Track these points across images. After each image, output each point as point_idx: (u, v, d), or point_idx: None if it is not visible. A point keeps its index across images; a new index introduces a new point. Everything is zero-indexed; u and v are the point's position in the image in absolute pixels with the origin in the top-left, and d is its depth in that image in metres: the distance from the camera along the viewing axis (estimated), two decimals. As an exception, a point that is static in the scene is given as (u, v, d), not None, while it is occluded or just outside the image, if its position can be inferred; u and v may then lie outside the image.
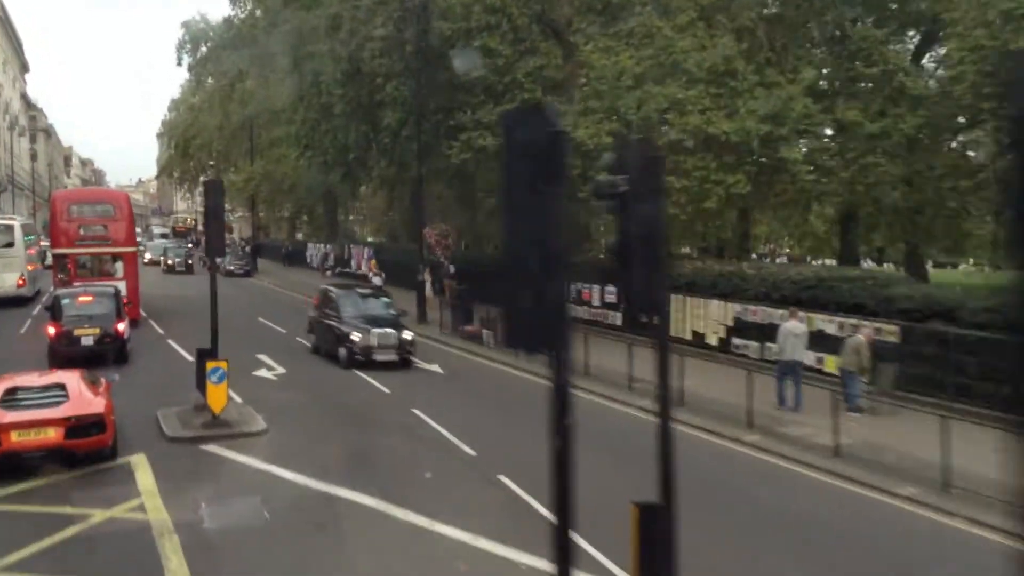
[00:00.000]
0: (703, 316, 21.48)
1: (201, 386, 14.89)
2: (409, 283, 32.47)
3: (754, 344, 19.88)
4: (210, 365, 13.91)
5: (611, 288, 25.20)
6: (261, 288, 43.42)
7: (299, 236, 72.62)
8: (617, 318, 24.92)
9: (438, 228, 29.45)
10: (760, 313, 19.80)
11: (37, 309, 29.39)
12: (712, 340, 21.23)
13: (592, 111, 23.63)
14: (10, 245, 32.02)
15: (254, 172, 56.04)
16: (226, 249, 62.80)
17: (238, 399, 15.80)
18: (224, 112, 62.85)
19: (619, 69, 23.48)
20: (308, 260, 56.91)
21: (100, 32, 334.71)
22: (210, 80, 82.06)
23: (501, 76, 26.93)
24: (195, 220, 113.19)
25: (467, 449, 13.45)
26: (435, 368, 20.91)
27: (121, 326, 20.34)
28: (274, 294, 41.00)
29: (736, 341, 20.42)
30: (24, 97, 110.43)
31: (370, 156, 39.99)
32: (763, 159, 23.23)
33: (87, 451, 11.88)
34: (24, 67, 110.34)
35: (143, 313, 29.46)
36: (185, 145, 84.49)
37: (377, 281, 30.44)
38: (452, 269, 29.04)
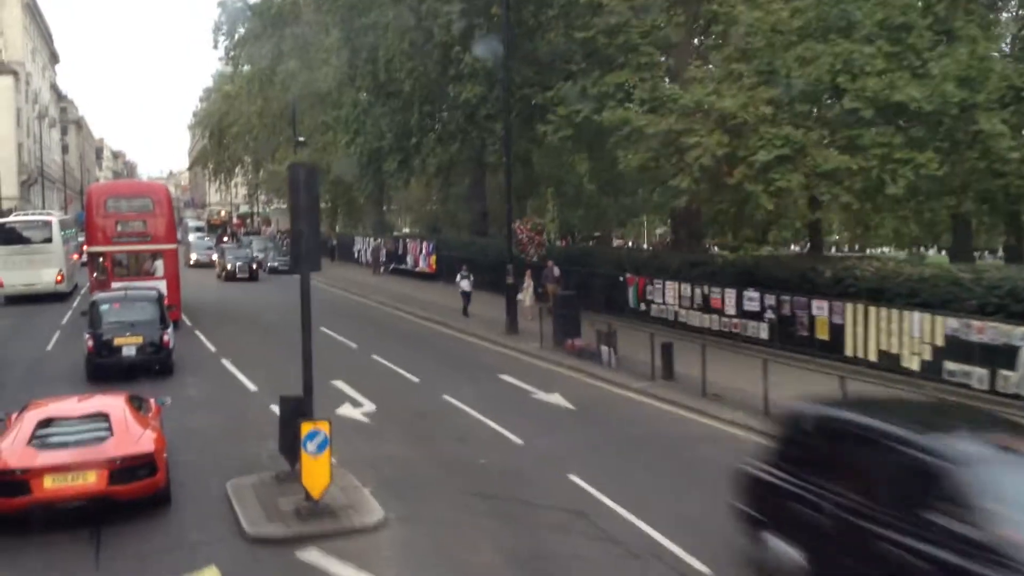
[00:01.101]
0: (897, 332, 16.93)
1: (288, 449, 10.70)
2: (490, 286, 28.21)
3: (979, 371, 15.31)
4: (307, 427, 9.63)
5: (752, 293, 20.72)
6: (312, 288, 39.21)
7: (336, 229, 68.67)
8: (760, 329, 20.43)
9: (530, 222, 25.03)
10: (988, 330, 15.22)
11: (69, 313, 27.53)
12: (911, 363, 16.67)
13: (740, 76, 19.08)
14: (48, 241, 32.04)
15: (298, 161, 51.94)
16: (268, 244, 59.33)
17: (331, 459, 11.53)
18: (264, 98, 58.80)
19: (771, 22, 18.91)
20: (356, 256, 52.81)
21: (131, 22, 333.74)
22: (246, 67, 78.40)
23: (611, 38, 22.38)
24: (229, 213, 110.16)
25: (693, 562, 8.99)
26: (558, 400, 16.56)
27: (166, 336, 18.34)
28: (329, 296, 36.71)
29: (950, 366, 15.85)
30: (54, 88, 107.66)
31: (426, 141, 35.75)
32: (956, 133, 18.54)
33: (134, 499, 9.81)
34: (54, 57, 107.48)
35: (186, 320, 25.82)
36: (220, 135, 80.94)
37: (465, 285, 25.89)
38: (557, 271, 24.59)
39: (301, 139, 46.98)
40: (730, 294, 21.37)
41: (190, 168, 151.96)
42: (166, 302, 20.48)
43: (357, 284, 39.31)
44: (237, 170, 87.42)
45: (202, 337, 23.79)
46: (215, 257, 47.84)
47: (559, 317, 22.00)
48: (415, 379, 18.44)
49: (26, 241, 31.94)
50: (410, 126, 34.88)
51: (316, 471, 9.67)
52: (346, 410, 15.56)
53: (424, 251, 42.03)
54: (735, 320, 21.28)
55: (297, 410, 10.75)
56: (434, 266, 40.74)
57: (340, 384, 17.66)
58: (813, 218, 22.20)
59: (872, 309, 17.55)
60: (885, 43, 18.68)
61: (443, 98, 32.24)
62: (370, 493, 10.77)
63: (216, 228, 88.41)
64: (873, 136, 18.07)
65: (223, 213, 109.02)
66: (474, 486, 11.36)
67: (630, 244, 59.23)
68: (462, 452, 13.07)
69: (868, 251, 42.70)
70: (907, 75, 18.02)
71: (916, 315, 16.60)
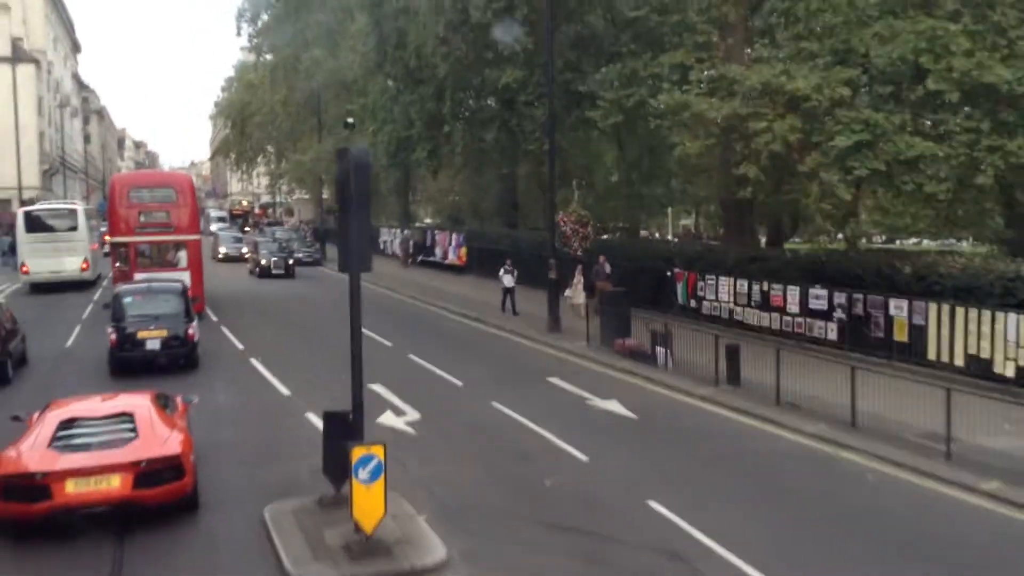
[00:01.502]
0: (988, 335, 15.42)
1: (334, 471, 9.42)
2: (525, 280, 26.84)
3: (1092, 380, 13.81)
4: (359, 452, 8.32)
5: (820, 291, 19.22)
6: (337, 280, 37.93)
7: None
8: (828, 330, 18.95)
9: (575, 214, 23.56)
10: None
11: (91, 306, 27.12)
12: (1005, 369, 15.17)
13: (812, 55, 17.54)
14: (74, 229, 32.30)
15: (322, 150, 50.65)
16: (292, 234, 58.22)
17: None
18: (288, 86, 57.57)
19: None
20: (381, 247, 51.50)
21: (153, 12, 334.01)
22: (268, 56, 77.27)
23: (664, 16, 20.86)
24: (250, 203, 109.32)
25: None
26: (617, 408, 15.18)
27: (191, 329, 17.81)
28: (339, 282, 35.45)
29: (1055, 373, 14.35)
30: (76, 77, 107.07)
31: (457, 129, 34.37)
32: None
33: (160, 504, 9.29)
34: (76, 47, 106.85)
35: (211, 315, 24.65)
36: (242, 124, 79.91)
37: (508, 280, 24.47)
38: (608, 267, 23.08)
39: (350, 121, 45.08)
40: (794, 291, 19.88)
41: (211, 158, 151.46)
42: (190, 294, 19.84)
43: (385, 277, 37.94)
44: (259, 159, 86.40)
45: (230, 335, 22.58)
46: (245, 251, 45.31)
47: (608, 315, 20.61)
48: (458, 382, 17.12)
49: (52, 229, 32.00)
50: (442, 114, 33.49)
51: (369, 502, 8.36)
52: (388, 419, 14.26)
53: (454, 243, 40.72)
54: (799, 319, 19.80)
55: (344, 428, 9.45)
56: (464, 258, 39.44)
57: (378, 388, 16.34)
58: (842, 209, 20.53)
59: (959, 309, 16.04)
60: (968, 20, 17.13)
61: (477, 84, 30.81)
62: (426, 523, 9.45)
63: (237, 218, 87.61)
64: (959, 121, 16.52)
65: (244, 203, 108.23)
66: (544, 515, 10.01)
67: (656, 235, 57.25)
68: (524, 471, 11.72)
69: (898, 242, 40.79)
70: (995, 55, 16.44)
71: (1012, 316, 15.08)
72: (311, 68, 52.73)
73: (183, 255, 25.45)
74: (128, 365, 17.07)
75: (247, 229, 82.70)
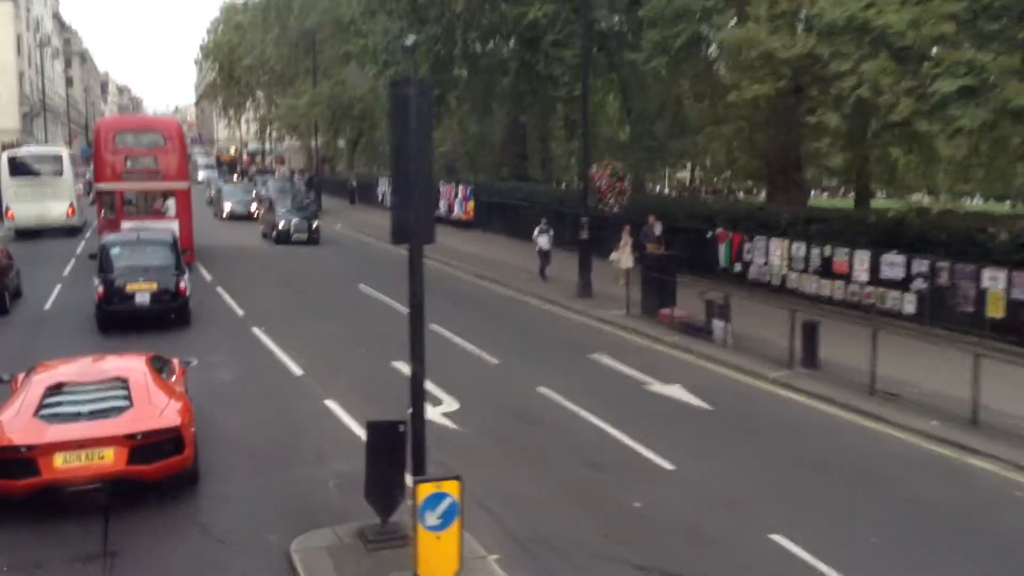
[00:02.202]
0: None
1: (380, 498, 7.32)
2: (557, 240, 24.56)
3: None
4: (426, 490, 6.18)
5: (895, 257, 17.11)
6: (337, 235, 35.65)
7: (354, 169, 64.85)
8: (904, 302, 16.87)
9: (609, 167, 21.19)
10: None
11: (80, 247, 26.70)
12: None
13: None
14: (59, 174, 31.86)
15: (318, 95, 47.84)
16: (285, 184, 55.53)
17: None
18: (281, 26, 54.38)
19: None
20: (380, 199, 48.95)
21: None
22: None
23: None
24: (238, 150, 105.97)
25: None
26: (682, 395, 13.10)
27: (183, 282, 16.98)
28: (360, 245, 33.24)
29: None
30: (57, 17, 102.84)
31: (469, 73, 31.85)
32: None
33: (158, 479, 8.49)
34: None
35: (203, 272, 22.35)
36: (230, 67, 76.58)
37: (544, 242, 21.90)
38: (659, 228, 20.78)
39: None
40: (863, 257, 17.76)
41: (197, 103, 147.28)
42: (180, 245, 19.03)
43: (386, 231, 35.62)
44: (248, 104, 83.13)
45: (228, 299, 20.41)
46: (254, 208, 40.01)
47: (651, 281, 18.47)
48: (493, 360, 15.00)
49: (37, 174, 31.59)
50: (452, 56, 30.90)
51: (439, 555, 6.27)
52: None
53: (460, 196, 38.28)
54: (868, 289, 17.70)
55: (393, 444, 7.33)
56: (471, 213, 37.06)
57: (403, 367, 14.21)
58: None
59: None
60: None
61: (492, 22, 28.20)
62: (500, 568, 7.37)
63: (224, 165, 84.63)
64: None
65: (232, 150, 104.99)
66: (642, 551, 7.93)
67: (657, 189, 54.35)
68: (602, 485, 9.62)
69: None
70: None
71: None
72: (305, 5, 49.65)
73: (171, 203, 24.72)
74: (116, 319, 16.31)
75: (234, 177, 79.73)
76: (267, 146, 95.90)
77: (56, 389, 8.81)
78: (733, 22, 17.45)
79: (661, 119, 31.19)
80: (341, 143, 62.97)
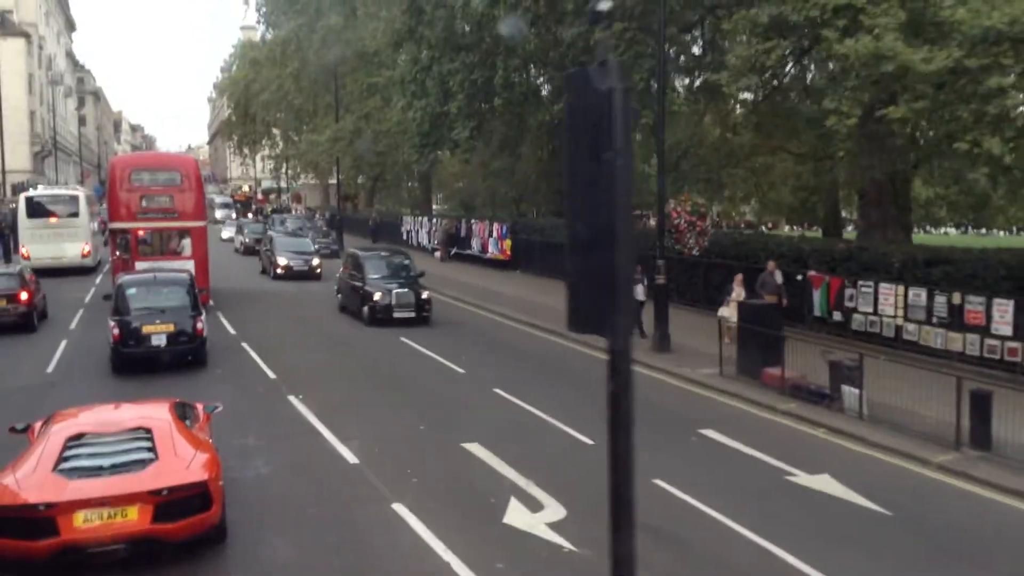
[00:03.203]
0: None
1: None
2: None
3: None
4: None
5: (1048, 307, 14.41)
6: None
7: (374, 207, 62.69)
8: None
9: (689, 202, 18.56)
10: None
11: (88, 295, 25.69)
12: None
13: None
14: (75, 215, 32.28)
15: (342, 130, 45.65)
16: (305, 223, 53.27)
17: None
18: (301, 60, 52.40)
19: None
20: (405, 237, 46.59)
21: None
22: (274, 32, 72.11)
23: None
24: (252, 188, 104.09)
25: None
26: (840, 490, 10.35)
27: (200, 323, 16.50)
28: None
29: None
30: (70, 56, 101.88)
31: (508, 103, 29.53)
32: None
33: (183, 539, 7.78)
34: (70, 24, 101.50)
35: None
36: (246, 104, 74.80)
37: (639, 292, 18.44)
38: (780, 277, 17.81)
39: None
40: (1005, 307, 15.06)
41: (210, 141, 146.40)
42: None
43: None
44: (264, 142, 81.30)
45: (256, 358, 17.82)
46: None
47: (751, 335, 15.79)
48: (585, 439, 12.28)
49: (53, 215, 31.92)
50: (493, 83, 28.58)
51: None
52: (520, 517, 9.40)
53: (495, 234, 35.79)
54: (1011, 344, 14.98)
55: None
56: (509, 252, 34.54)
57: (478, 450, 11.58)
58: None
59: None
60: None
61: (540, 46, 25.89)
62: None
63: (238, 204, 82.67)
64: None
65: (246, 188, 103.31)
66: None
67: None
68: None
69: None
70: None
71: None
72: (327, 37, 47.66)
73: (187, 243, 24.18)
74: (132, 362, 15.85)
75: (248, 216, 77.62)
76: (282, 184, 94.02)
77: (76, 440, 8.21)
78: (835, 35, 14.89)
79: (687, 153, 28.89)
80: (360, 179, 60.75)
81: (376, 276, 22.30)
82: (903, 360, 14.56)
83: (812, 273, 19.08)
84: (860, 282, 18.01)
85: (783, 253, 20.29)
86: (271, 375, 16.17)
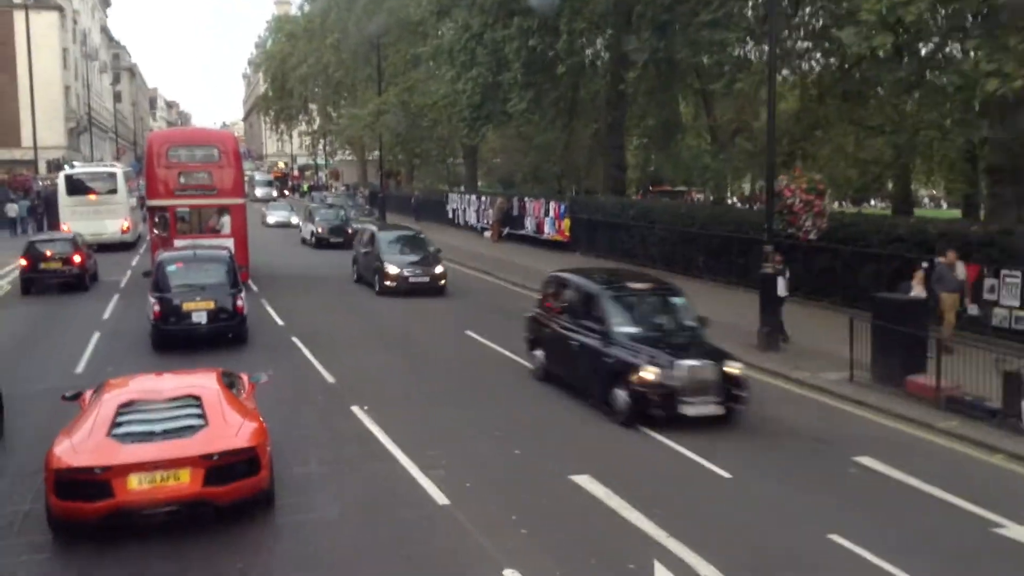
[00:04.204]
0: None
1: None
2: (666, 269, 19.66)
3: None
4: None
5: None
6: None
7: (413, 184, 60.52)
8: None
9: (805, 179, 16.06)
10: None
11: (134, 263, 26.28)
12: None
13: None
14: (113, 192, 32.91)
15: (386, 102, 43.42)
16: (348, 201, 51.25)
17: None
18: (342, 30, 50.16)
19: None
20: (452, 216, 44.42)
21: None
22: (307, 7, 70.06)
23: None
24: (287, 165, 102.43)
25: None
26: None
27: (240, 300, 16.24)
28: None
29: None
30: (105, 31, 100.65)
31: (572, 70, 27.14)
32: None
33: (233, 502, 8.03)
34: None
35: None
36: (283, 78, 72.97)
37: (780, 286, 15.59)
38: (963, 270, 15.05)
39: None
40: None
41: (246, 118, 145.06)
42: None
43: (472, 256, 30.94)
44: (301, 117, 79.48)
45: (311, 359, 15.76)
46: (440, 271, 22.90)
47: (892, 336, 13.37)
48: (719, 471, 9.99)
49: (92, 192, 32.51)
50: (556, 50, 26.18)
51: None
52: (675, 593, 7.17)
53: (552, 213, 33.44)
54: None
55: None
56: (567, 233, 32.21)
57: (591, 486, 9.39)
58: None
59: None
60: None
61: (612, 7, 23.41)
62: None
63: (276, 181, 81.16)
64: None
65: (281, 165, 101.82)
66: None
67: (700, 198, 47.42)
68: None
69: None
70: None
71: None
72: (369, 7, 45.36)
73: (227, 220, 23.60)
74: (173, 339, 15.66)
75: (285, 193, 75.93)
76: (318, 160, 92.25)
77: (127, 407, 8.43)
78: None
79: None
80: (400, 156, 58.62)
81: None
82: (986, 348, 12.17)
83: (941, 260, 16.55)
84: (1004, 271, 15.51)
85: (902, 236, 17.79)
86: (329, 379, 14.07)
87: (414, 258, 22.66)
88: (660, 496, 9.15)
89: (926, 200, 69.34)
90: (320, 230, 35.10)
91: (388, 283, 21.95)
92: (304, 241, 36.50)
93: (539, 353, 13.86)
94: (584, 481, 9.49)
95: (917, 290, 14.26)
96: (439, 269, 22.58)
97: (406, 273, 21.99)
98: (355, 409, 12.23)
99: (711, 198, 40.33)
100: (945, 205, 64.28)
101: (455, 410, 12.41)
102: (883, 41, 15.00)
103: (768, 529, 8.50)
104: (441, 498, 9.08)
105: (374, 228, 25.06)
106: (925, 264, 16.24)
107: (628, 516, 8.62)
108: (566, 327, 13.03)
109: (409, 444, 10.67)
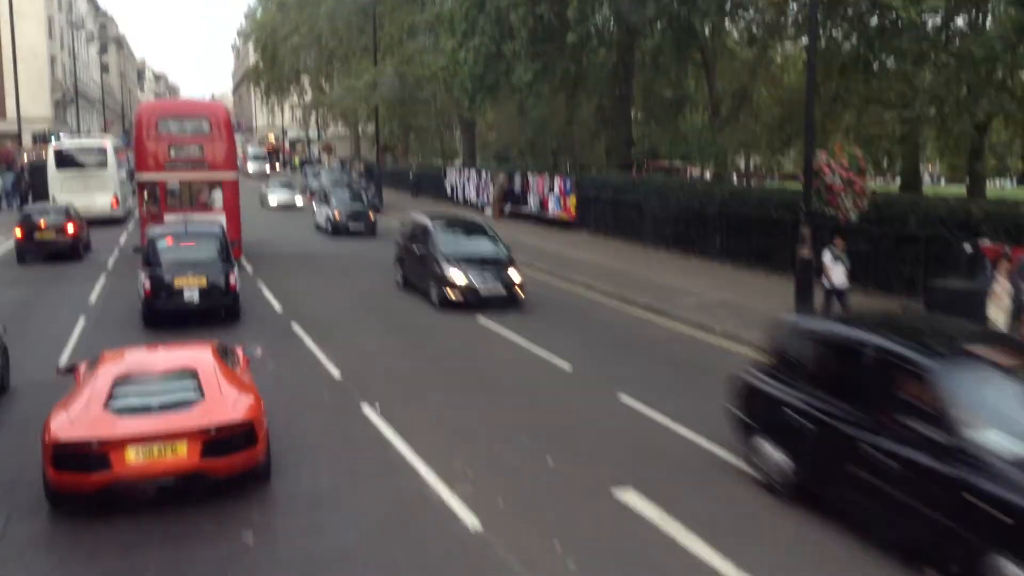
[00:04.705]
0: None
1: None
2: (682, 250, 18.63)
3: None
4: None
5: None
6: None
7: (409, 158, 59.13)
8: None
9: (845, 155, 14.92)
10: None
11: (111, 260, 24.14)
12: None
13: None
14: (103, 165, 32.70)
15: (381, 73, 42.00)
16: (340, 177, 49.90)
17: None
18: (333, -2, 48.64)
19: None
20: (450, 192, 43.23)
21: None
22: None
23: None
24: (278, 138, 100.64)
25: None
26: None
27: (232, 277, 15.82)
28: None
29: None
30: (91, 0, 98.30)
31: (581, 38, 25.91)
32: None
33: (230, 475, 8.09)
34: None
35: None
36: (274, 49, 71.12)
37: (839, 276, 14.24)
38: None
39: None
40: None
41: (235, 90, 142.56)
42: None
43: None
44: (292, 89, 77.71)
45: (316, 350, 14.65)
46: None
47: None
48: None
49: (82, 166, 32.41)
50: (566, 17, 24.93)
51: None
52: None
53: (556, 190, 32.27)
54: None
55: None
56: (573, 211, 31.06)
57: (638, 503, 8.38)
58: None
59: None
60: None
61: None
62: None
63: (269, 156, 79.59)
64: None
65: (272, 138, 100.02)
66: None
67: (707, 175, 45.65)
68: None
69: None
70: None
71: None
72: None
73: (218, 195, 23.02)
74: (164, 316, 15.38)
75: (276, 167, 74.46)
76: (310, 134, 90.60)
77: (123, 380, 8.38)
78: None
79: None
80: (394, 129, 57.06)
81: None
82: None
83: (986, 243, 15.47)
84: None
85: (941, 218, 16.72)
86: (335, 374, 12.98)
87: (484, 261, 17.93)
88: (707, 510, 8.10)
89: (925, 176, 68.28)
90: (337, 216, 30.86)
91: (452, 296, 17.37)
92: (319, 228, 32.29)
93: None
94: (632, 499, 8.44)
95: (1003, 283, 12.48)
96: (516, 277, 17.78)
97: (476, 283, 17.36)
98: (366, 409, 11.15)
99: (707, 175, 39.23)
100: (943, 181, 63.16)
101: (472, 405, 11.34)
102: (936, 3, 13.84)
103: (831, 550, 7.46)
104: (473, 522, 7.98)
105: (428, 221, 19.55)
106: (969, 248, 15.17)
107: (676, 535, 7.59)
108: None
109: (428, 451, 9.60)
